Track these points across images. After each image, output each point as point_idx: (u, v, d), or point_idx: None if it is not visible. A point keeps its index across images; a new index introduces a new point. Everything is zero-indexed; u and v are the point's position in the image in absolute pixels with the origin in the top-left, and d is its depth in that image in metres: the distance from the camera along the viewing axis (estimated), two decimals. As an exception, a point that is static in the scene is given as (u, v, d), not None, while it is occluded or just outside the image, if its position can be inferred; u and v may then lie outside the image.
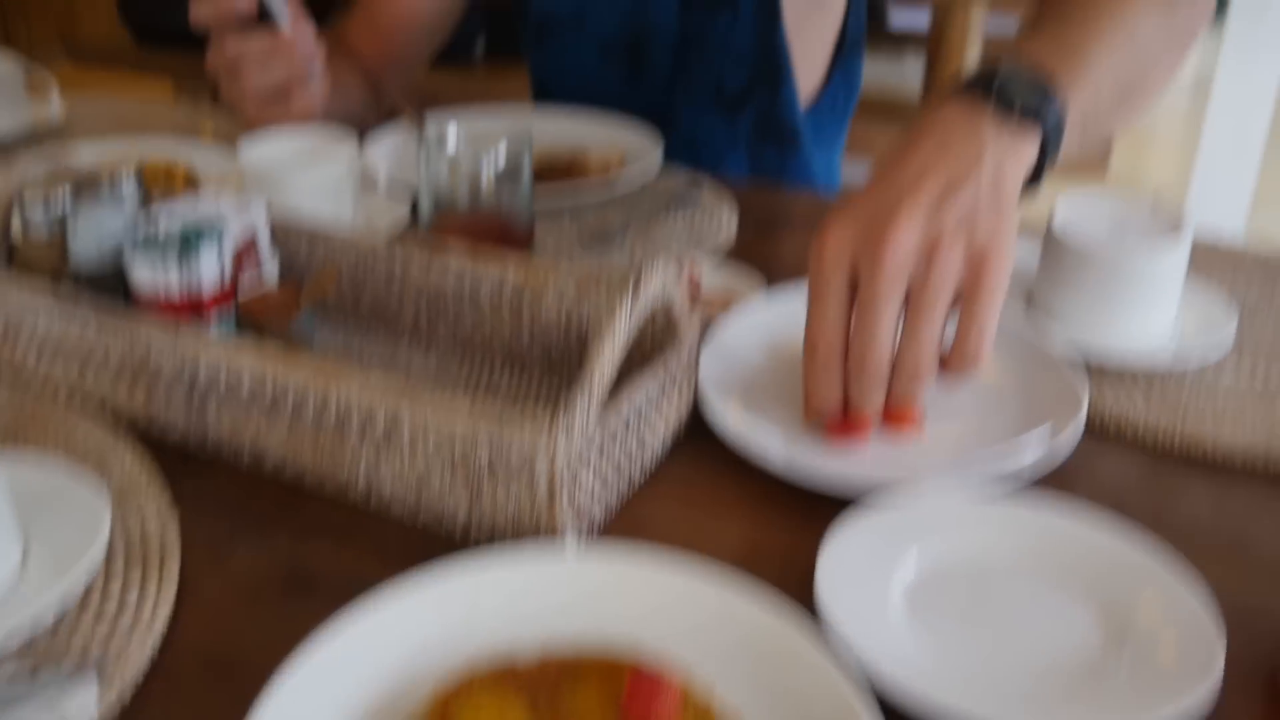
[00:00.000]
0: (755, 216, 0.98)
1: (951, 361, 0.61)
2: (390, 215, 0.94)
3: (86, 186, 0.74)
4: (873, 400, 0.60)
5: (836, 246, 0.60)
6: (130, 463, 0.62)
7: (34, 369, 0.70)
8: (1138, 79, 0.72)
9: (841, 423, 0.62)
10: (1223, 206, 3.51)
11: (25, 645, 0.49)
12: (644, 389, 0.59)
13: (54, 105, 1.31)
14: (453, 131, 0.82)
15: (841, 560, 0.53)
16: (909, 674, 0.46)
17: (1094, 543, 0.55)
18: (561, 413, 0.52)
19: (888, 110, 2.58)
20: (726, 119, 1.18)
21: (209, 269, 0.66)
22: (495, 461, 0.53)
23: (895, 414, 0.62)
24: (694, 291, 0.80)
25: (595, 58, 1.20)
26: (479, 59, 3.15)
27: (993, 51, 3.30)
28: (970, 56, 2.78)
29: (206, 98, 3.52)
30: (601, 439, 0.56)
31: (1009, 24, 3.41)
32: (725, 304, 0.78)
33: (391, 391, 0.55)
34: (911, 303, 0.59)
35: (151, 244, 0.65)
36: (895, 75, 4.34)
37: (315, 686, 0.44)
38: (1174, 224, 0.75)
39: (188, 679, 0.49)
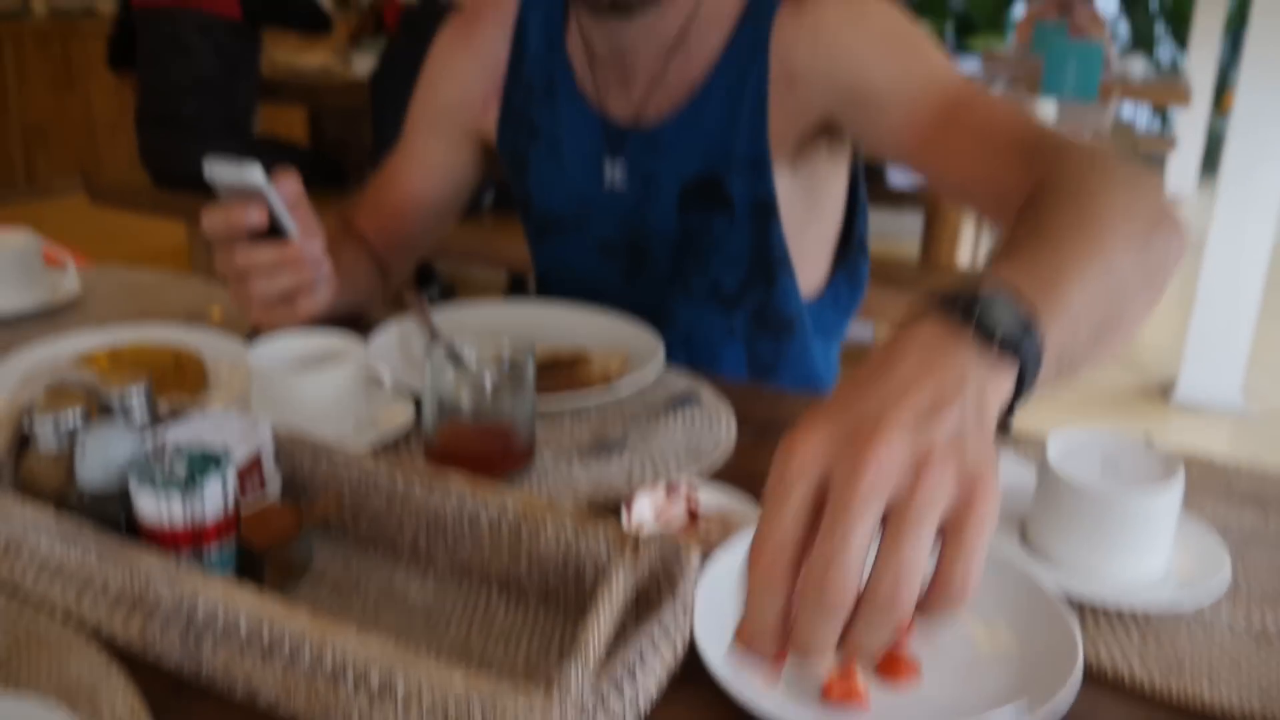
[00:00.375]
0: (754, 421, 1.00)
1: (932, 599, 0.50)
2: (395, 418, 0.96)
3: (96, 403, 0.76)
4: (826, 636, 0.49)
5: (809, 449, 0.51)
6: (121, 702, 0.62)
7: (32, 588, 0.70)
8: (1114, 317, 0.68)
9: (776, 658, 0.52)
10: (1218, 368, 3.54)
11: None
12: (638, 645, 0.59)
13: (70, 277, 1.34)
14: (460, 347, 0.84)
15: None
16: None
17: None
18: (557, 687, 0.52)
19: (886, 269, 2.64)
20: (723, 315, 1.20)
21: (213, 500, 0.66)
22: (488, 729, 0.53)
23: (885, 661, 0.61)
24: (691, 517, 0.80)
25: (595, 256, 1.24)
26: (487, 210, 3.23)
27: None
28: (967, 229, 2.85)
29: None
30: (595, 701, 0.56)
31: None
32: (724, 530, 0.79)
33: (388, 650, 0.55)
34: (892, 524, 0.49)
35: (156, 477, 0.66)
36: (893, 228, 4.44)
37: None
38: (1167, 464, 0.76)
39: None
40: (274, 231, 0.93)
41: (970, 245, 2.92)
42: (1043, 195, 0.78)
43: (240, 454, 0.74)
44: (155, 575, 0.63)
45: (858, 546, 0.48)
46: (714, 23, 1.11)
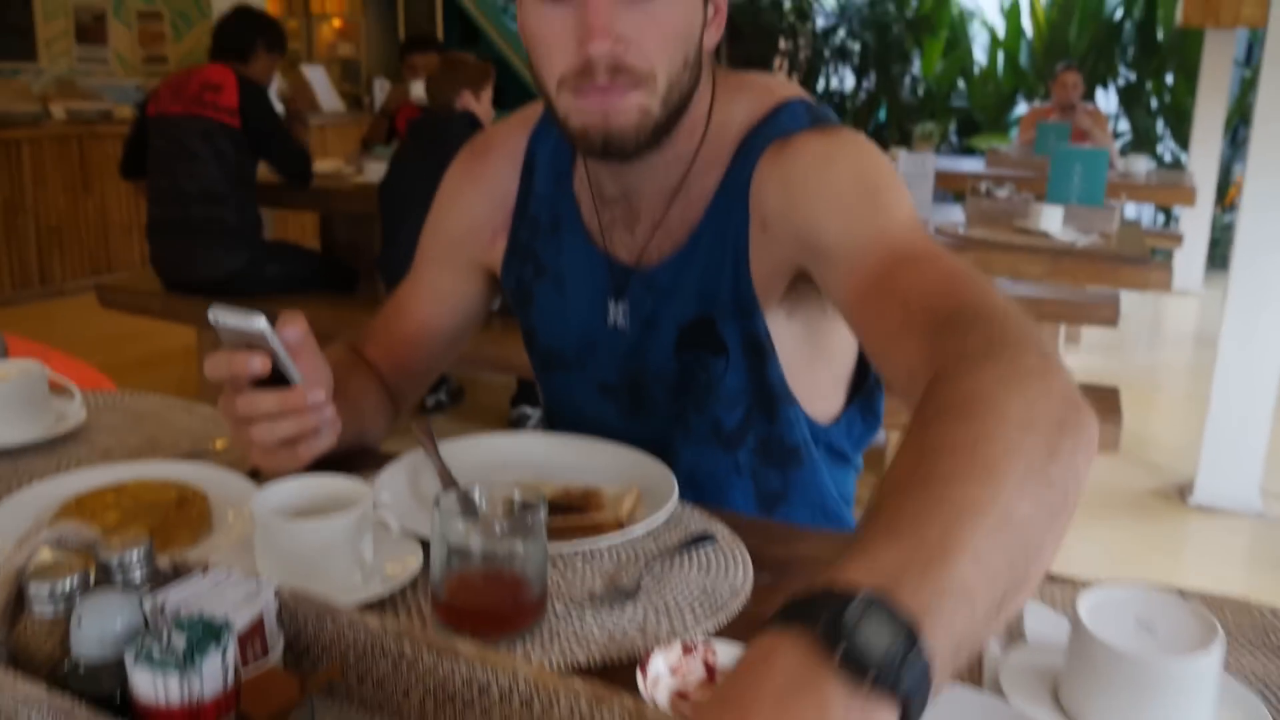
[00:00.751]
0: (770, 562, 0.97)
1: None
2: (403, 563, 0.93)
3: (94, 562, 0.74)
4: None
5: None
6: None
7: None
8: (1018, 574, 0.59)
9: None
10: (1235, 468, 3.50)
11: None
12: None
13: (76, 406, 1.33)
14: (470, 492, 0.82)
15: None
16: None
17: None
18: None
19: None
20: (726, 452, 1.18)
21: (211, 678, 0.64)
22: None
23: None
24: (709, 674, 0.77)
25: (596, 394, 1.22)
26: (495, 316, 3.23)
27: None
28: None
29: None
30: None
31: (1013, 287, 3.51)
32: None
33: None
34: None
35: (154, 653, 0.63)
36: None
37: None
38: (1203, 622, 0.73)
39: None
40: (277, 378, 0.91)
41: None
42: (932, 413, 0.69)
43: (242, 620, 0.72)
44: (149, 761, 0.60)
45: None
46: (710, 167, 1.10)
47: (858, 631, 0.49)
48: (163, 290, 3.55)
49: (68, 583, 0.71)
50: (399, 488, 1.07)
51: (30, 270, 5.61)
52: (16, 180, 5.50)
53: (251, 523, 0.93)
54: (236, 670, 0.66)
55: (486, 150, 1.26)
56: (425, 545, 0.96)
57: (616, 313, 1.17)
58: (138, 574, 0.74)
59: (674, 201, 1.12)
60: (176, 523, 1.00)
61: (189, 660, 0.63)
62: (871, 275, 0.95)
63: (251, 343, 0.90)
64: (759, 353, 1.12)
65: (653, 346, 1.15)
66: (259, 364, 0.90)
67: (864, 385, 1.23)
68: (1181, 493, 3.52)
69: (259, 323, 0.88)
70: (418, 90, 4.21)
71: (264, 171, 3.66)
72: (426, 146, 3.04)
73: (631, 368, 1.18)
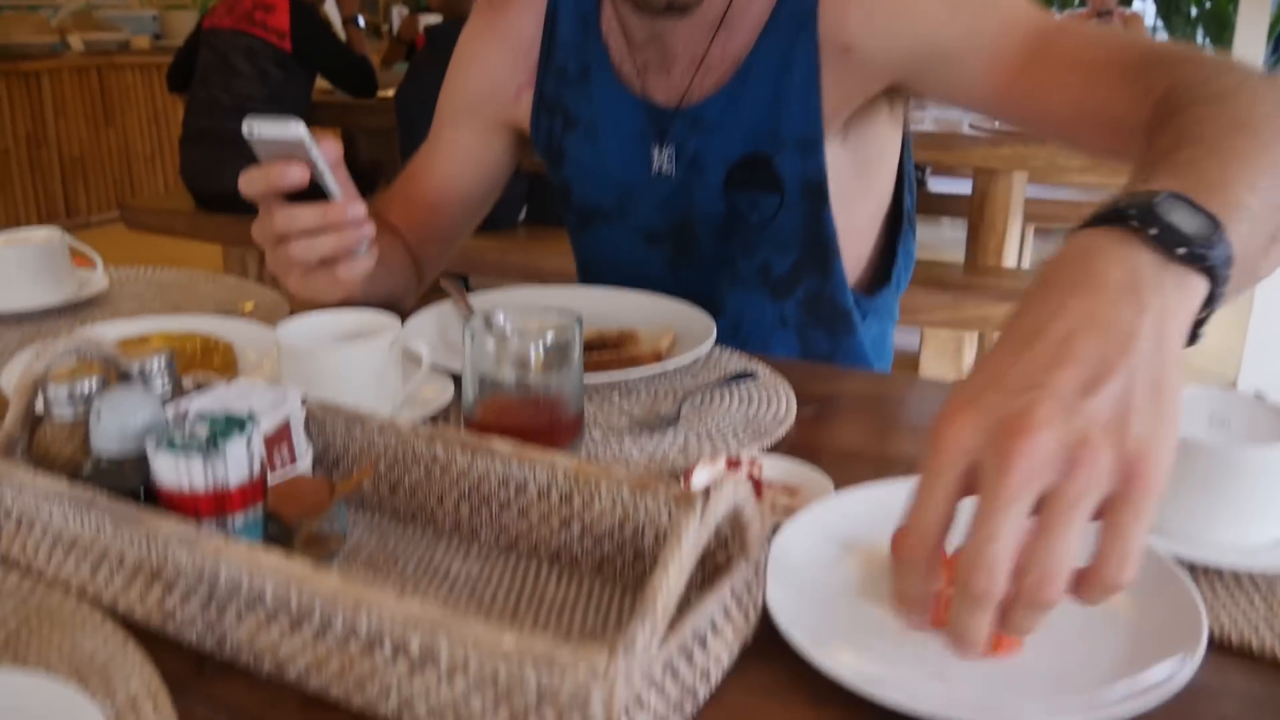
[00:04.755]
0: (812, 399, 0.93)
1: (1086, 587, 0.48)
2: (434, 396, 0.90)
3: (114, 372, 0.71)
4: (975, 627, 0.48)
5: (958, 437, 0.48)
6: (137, 679, 0.56)
7: (45, 566, 0.65)
8: None
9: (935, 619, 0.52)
10: (1278, 369, 3.43)
11: None
12: (710, 607, 0.53)
13: (99, 275, 1.30)
14: (500, 316, 0.78)
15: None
16: None
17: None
18: (620, 649, 0.45)
19: (931, 273, 2.57)
20: (774, 301, 1.14)
21: (236, 463, 0.61)
22: (545, 699, 0.47)
23: (997, 640, 0.54)
24: (756, 487, 0.74)
25: (639, 244, 1.18)
26: (521, 225, 3.19)
27: (1038, 216, 3.28)
28: (1014, 224, 2.77)
29: (255, 263, 3.57)
30: (663, 670, 0.49)
31: (1050, 192, 3.43)
32: (789, 505, 0.72)
33: (428, 615, 0.49)
34: (1043, 516, 0.47)
35: (176, 439, 0.61)
36: (931, 239, 4.36)
37: None
38: (1279, 418, 0.69)
39: None
40: (315, 193, 0.87)
41: (1015, 250, 2.84)
42: (1174, 106, 0.71)
43: (269, 423, 0.69)
44: (174, 541, 0.57)
45: (1003, 545, 0.46)
46: None
47: (1167, 216, 0.52)
48: (188, 211, 3.52)
49: (87, 384, 0.68)
50: (429, 329, 1.03)
51: (55, 202, 5.59)
52: (38, 113, 5.46)
53: (278, 365, 0.90)
54: (263, 463, 0.64)
55: (505, 3, 1.21)
56: (456, 379, 0.93)
57: (661, 157, 1.12)
58: (159, 383, 0.71)
59: (716, 36, 1.07)
60: (200, 367, 0.98)
61: (212, 445, 0.60)
62: (1018, 59, 0.93)
63: (289, 154, 0.86)
64: (815, 195, 1.08)
65: (700, 188, 1.11)
66: (297, 173, 0.85)
67: (899, 226, 1.18)
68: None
69: (298, 129, 0.84)
70: (427, 19, 4.19)
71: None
72: (444, 54, 2.98)
73: (677, 212, 1.14)
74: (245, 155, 0.83)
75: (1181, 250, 0.51)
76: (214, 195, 3.42)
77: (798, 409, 0.91)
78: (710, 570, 0.61)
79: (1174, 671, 0.54)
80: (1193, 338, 0.54)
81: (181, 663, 0.58)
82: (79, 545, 0.63)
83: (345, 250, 0.91)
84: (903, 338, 1.97)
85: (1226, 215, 0.54)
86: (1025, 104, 0.95)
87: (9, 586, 0.65)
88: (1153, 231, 0.51)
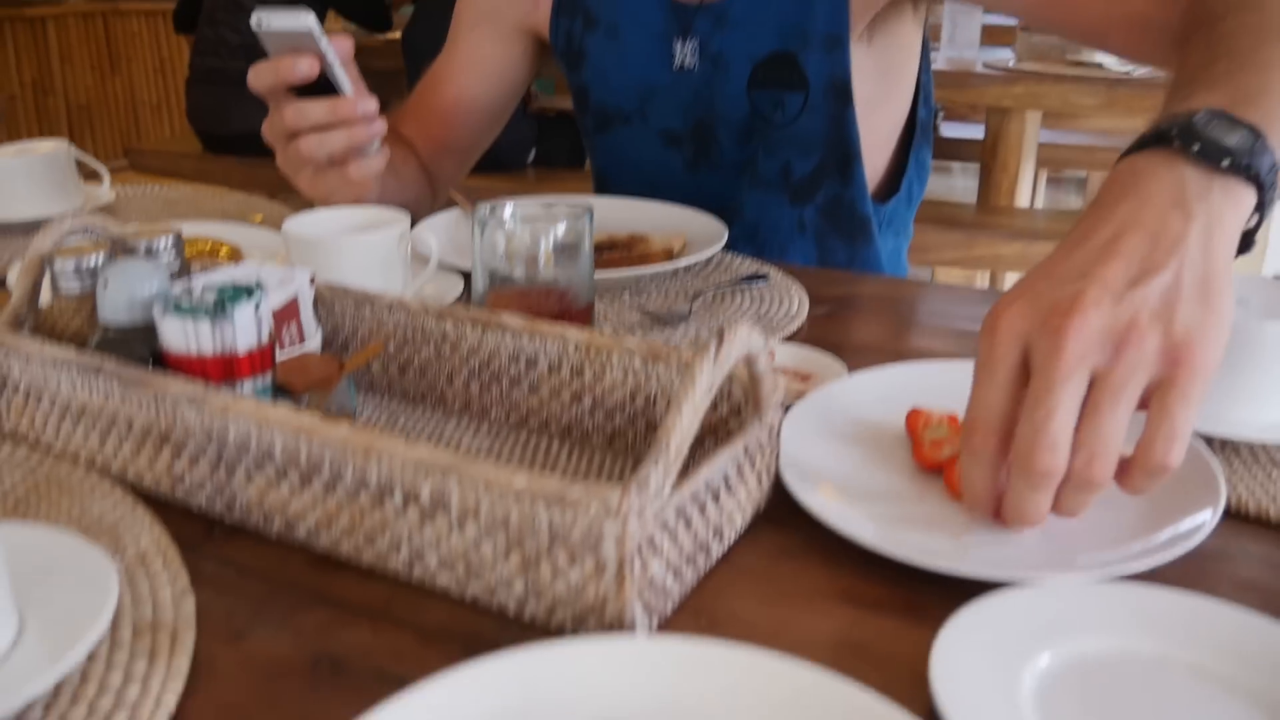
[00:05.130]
0: (826, 300, 0.92)
1: (1133, 472, 0.51)
2: (441, 292, 0.89)
3: (121, 249, 0.70)
4: (1035, 506, 0.50)
5: (1010, 324, 0.51)
6: (147, 537, 0.56)
7: (54, 438, 0.64)
8: None
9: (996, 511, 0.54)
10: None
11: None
12: (723, 462, 0.52)
13: (105, 189, 1.29)
14: (508, 208, 0.77)
15: (959, 658, 0.45)
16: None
17: (1247, 634, 0.47)
18: (633, 486, 0.45)
19: (942, 212, 2.55)
20: (793, 205, 1.13)
21: (244, 327, 0.60)
22: (557, 540, 0.47)
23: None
24: (768, 368, 0.73)
25: (658, 146, 1.16)
26: (530, 167, 3.17)
27: (1050, 162, 3.25)
28: (1026, 166, 2.75)
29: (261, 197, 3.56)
30: (675, 517, 0.49)
31: (1063, 137, 3.39)
32: (802, 390, 0.71)
33: (439, 462, 0.48)
34: (1091, 398, 0.49)
35: (183, 303, 0.60)
36: (942, 188, 4.32)
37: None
38: (1301, 298, 0.68)
39: (192, 781, 0.42)
40: (324, 88, 0.86)
41: (1028, 191, 2.81)
42: (1204, 17, 0.71)
43: (276, 298, 0.68)
44: (182, 401, 0.57)
45: (1061, 422, 0.48)
46: None
47: (1208, 131, 0.53)
48: (195, 153, 3.50)
49: (94, 258, 0.67)
50: (438, 230, 1.02)
51: (62, 150, 5.57)
52: (44, 60, 5.43)
53: (285, 258, 0.89)
54: (271, 334, 0.63)
55: None
56: (465, 277, 0.92)
57: (683, 53, 1.10)
58: (167, 260, 0.71)
59: None
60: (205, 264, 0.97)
61: (220, 310, 0.60)
62: None
63: (299, 47, 0.85)
64: (840, 95, 1.06)
65: (722, 86, 1.09)
66: (306, 65, 0.84)
67: (916, 133, 1.17)
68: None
69: (307, 20, 0.82)
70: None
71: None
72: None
73: (698, 111, 1.12)
74: (253, 96, 0.82)
75: (1225, 162, 0.52)
76: (221, 137, 3.40)
77: (811, 308, 0.90)
78: (723, 437, 0.60)
79: (1199, 524, 0.54)
80: (1246, 246, 0.56)
81: (191, 527, 0.58)
82: (87, 413, 0.62)
83: (355, 147, 0.90)
84: (914, 276, 1.96)
85: (1267, 125, 0.54)
86: (1054, 4, 0.93)
87: (17, 459, 0.65)
88: (1195, 148, 0.53)
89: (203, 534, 0.58)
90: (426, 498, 0.50)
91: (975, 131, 3.14)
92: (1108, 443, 0.49)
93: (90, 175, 1.31)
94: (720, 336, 0.49)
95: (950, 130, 3.45)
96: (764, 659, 0.42)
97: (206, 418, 0.56)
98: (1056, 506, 0.51)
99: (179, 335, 0.60)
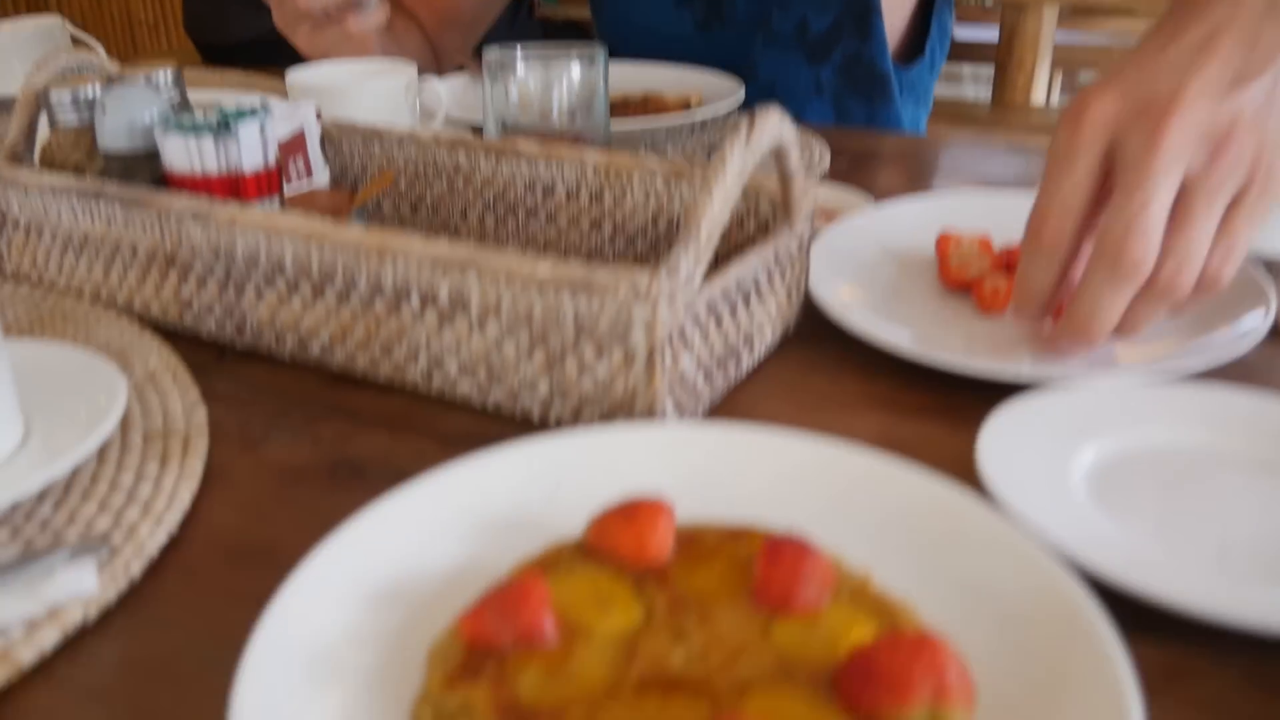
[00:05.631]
0: (847, 154, 0.89)
1: None
2: (451, 144, 0.86)
3: (119, 79, 0.68)
4: (1111, 307, 0.47)
5: (1100, 113, 0.47)
6: (155, 358, 0.54)
7: (57, 274, 0.62)
8: None
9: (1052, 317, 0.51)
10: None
11: (27, 520, 0.41)
12: (754, 264, 0.50)
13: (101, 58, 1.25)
14: (519, 55, 0.74)
15: (1006, 446, 0.43)
16: (1110, 556, 0.36)
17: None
18: (663, 270, 0.43)
19: (957, 110, 2.50)
20: (810, 64, 1.09)
21: (250, 146, 0.58)
22: (583, 332, 0.44)
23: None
24: (792, 203, 0.71)
25: (668, 5, 1.12)
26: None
27: (1065, 63, 3.19)
28: (1043, 63, 2.69)
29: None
30: (706, 312, 0.47)
31: (1079, 37, 3.31)
32: (827, 216, 0.69)
33: (457, 257, 0.46)
34: (1182, 203, 0.46)
35: (185, 122, 0.57)
36: (953, 93, 4.24)
37: (357, 567, 0.35)
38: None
39: (208, 561, 0.40)
40: None
41: (1044, 89, 2.76)
42: None
43: (283, 129, 0.65)
44: (186, 218, 0.54)
45: (1156, 216, 0.45)
46: None
47: None
48: (194, 65, 3.45)
49: (91, 88, 0.64)
50: (445, 87, 0.99)
51: (59, 72, 5.50)
52: (37, -20, 5.34)
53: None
54: (278, 159, 0.60)
55: None
56: (476, 132, 0.89)
57: None
58: (165, 85, 0.68)
59: None
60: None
61: (224, 127, 0.57)
62: None
63: None
64: None
65: None
66: None
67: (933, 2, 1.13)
68: None
69: None
70: None
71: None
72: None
73: None
74: (251, 4, 0.78)
75: None
76: (219, 48, 3.33)
77: (832, 161, 0.87)
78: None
79: (1248, 330, 0.52)
80: None
81: (202, 354, 0.56)
82: (90, 243, 0.60)
83: (353, 1, 0.86)
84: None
85: None
86: None
87: (20, 296, 0.63)
88: None
89: (214, 359, 0.56)
90: (445, 297, 0.47)
91: (987, 34, 3.07)
92: (1197, 250, 0.46)
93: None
94: (752, 118, 0.46)
95: (961, 33, 3.37)
96: (812, 441, 0.40)
97: (213, 233, 0.54)
98: (1129, 316, 0.48)
99: (182, 154, 0.57)
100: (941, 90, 1.49)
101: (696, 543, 0.35)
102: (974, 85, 4.38)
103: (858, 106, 1.11)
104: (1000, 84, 2.72)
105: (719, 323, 0.48)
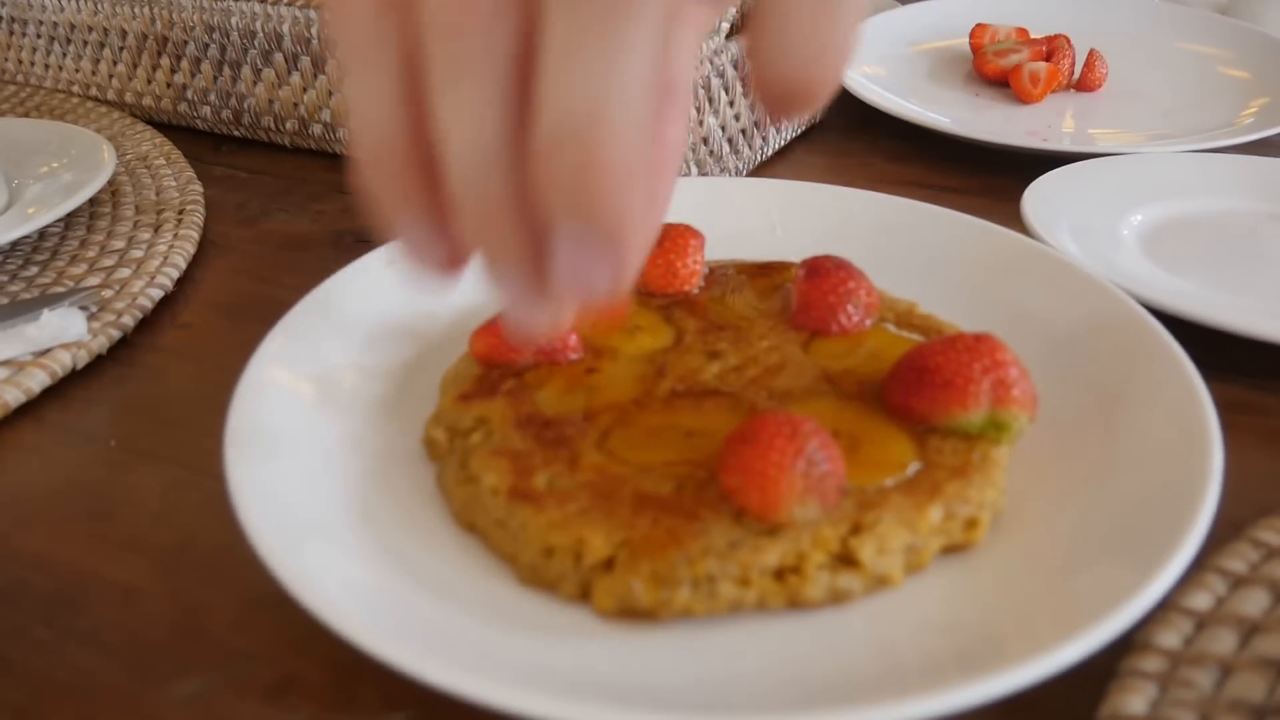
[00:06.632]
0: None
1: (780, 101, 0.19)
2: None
3: None
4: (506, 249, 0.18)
5: None
6: (148, 144, 0.51)
7: (43, 73, 0.59)
8: None
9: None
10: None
11: (12, 280, 0.39)
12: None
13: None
14: None
15: (1051, 207, 0.40)
16: (1170, 292, 0.34)
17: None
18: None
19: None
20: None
21: (243, -79, 0.54)
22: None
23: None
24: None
25: None
26: None
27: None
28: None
29: None
30: (733, 71, 0.43)
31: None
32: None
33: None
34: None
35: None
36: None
37: (366, 305, 0.32)
38: None
39: (205, 316, 0.38)
40: None
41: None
42: None
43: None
44: (178, -5, 0.51)
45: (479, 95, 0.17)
46: None
47: None
48: None
49: None
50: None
51: None
52: None
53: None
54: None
55: None
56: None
57: None
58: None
59: None
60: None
61: (214, -101, 0.53)
62: None
63: None
64: None
65: None
66: None
67: None
68: None
69: None
70: None
71: None
72: None
73: None
74: None
75: None
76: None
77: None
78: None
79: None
80: None
81: (198, 145, 0.53)
82: (77, 33, 0.56)
83: None
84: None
85: None
86: None
87: (4, 96, 0.60)
88: None
89: (210, 149, 0.53)
90: None
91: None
92: (630, 80, 0.16)
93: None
94: None
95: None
96: (850, 192, 0.37)
97: (205, 9, 0.50)
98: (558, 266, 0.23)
99: (169, -71, 0.54)
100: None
101: (728, 276, 0.32)
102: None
103: None
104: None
105: (745, 88, 0.45)
